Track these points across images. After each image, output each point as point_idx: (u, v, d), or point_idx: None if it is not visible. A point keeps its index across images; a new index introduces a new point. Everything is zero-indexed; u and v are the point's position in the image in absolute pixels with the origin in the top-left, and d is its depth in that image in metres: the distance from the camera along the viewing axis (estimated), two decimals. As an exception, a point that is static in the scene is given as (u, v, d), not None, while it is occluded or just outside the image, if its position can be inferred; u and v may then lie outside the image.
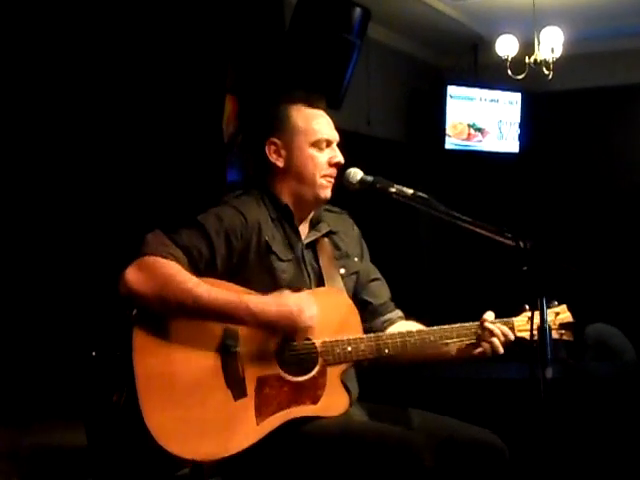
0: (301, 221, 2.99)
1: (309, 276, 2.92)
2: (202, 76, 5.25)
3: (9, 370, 4.17)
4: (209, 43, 5.26)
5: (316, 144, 2.93)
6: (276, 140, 2.95)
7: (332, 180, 2.95)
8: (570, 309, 2.91)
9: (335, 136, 2.98)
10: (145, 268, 2.64)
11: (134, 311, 2.67)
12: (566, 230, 7.93)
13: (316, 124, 2.96)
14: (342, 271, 2.99)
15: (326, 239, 3.02)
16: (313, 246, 2.98)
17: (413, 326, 2.97)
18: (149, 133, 5.00)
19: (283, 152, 2.94)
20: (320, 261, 2.96)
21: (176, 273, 2.64)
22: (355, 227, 3.16)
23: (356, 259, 3.08)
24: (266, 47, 5.53)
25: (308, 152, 2.93)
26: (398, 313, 3.08)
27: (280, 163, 2.94)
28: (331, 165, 2.94)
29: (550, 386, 2.37)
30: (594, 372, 4.76)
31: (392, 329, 2.99)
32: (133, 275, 2.63)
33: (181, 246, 2.71)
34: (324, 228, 3.02)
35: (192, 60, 5.17)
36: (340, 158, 2.95)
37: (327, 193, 2.94)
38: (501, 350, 2.84)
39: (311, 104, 2.98)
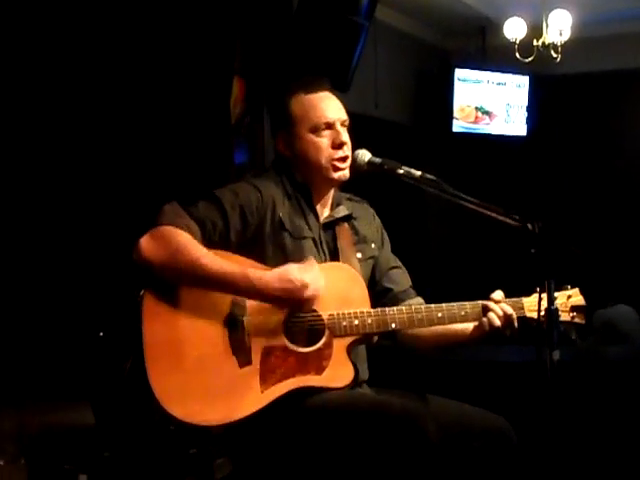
0: (319, 201, 3.00)
1: (324, 255, 2.93)
2: (210, 58, 5.25)
3: (16, 351, 4.18)
4: (217, 25, 5.26)
5: (314, 129, 2.93)
6: (282, 132, 2.99)
7: (343, 163, 2.93)
8: (582, 292, 2.91)
9: (337, 116, 2.96)
10: (158, 237, 2.70)
11: (142, 292, 2.71)
12: (573, 213, 7.93)
13: (313, 109, 2.95)
14: (359, 255, 3.01)
15: (346, 224, 3.04)
16: (332, 228, 3.00)
17: None
18: (157, 115, 5.00)
19: (288, 143, 2.98)
20: (338, 243, 2.97)
21: (186, 243, 2.68)
22: (376, 217, 3.18)
23: (373, 245, 3.08)
24: (274, 29, 5.52)
25: (308, 139, 2.94)
26: (419, 300, 3.06)
27: (288, 153, 2.98)
28: (335, 147, 2.93)
29: (558, 369, 2.37)
30: (603, 355, 4.75)
31: None
32: (146, 243, 2.69)
33: (195, 218, 2.75)
34: (343, 211, 3.03)
35: (200, 42, 5.17)
36: (343, 138, 2.93)
37: (339, 175, 2.93)
38: (497, 323, 2.83)
39: (311, 89, 2.98)
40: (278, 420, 2.71)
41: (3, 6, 4.29)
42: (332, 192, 3.03)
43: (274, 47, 5.52)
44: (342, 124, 2.97)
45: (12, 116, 4.41)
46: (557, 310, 2.44)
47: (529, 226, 2.48)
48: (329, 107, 2.97)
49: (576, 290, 2.92)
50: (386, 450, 2.58)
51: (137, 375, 2.63)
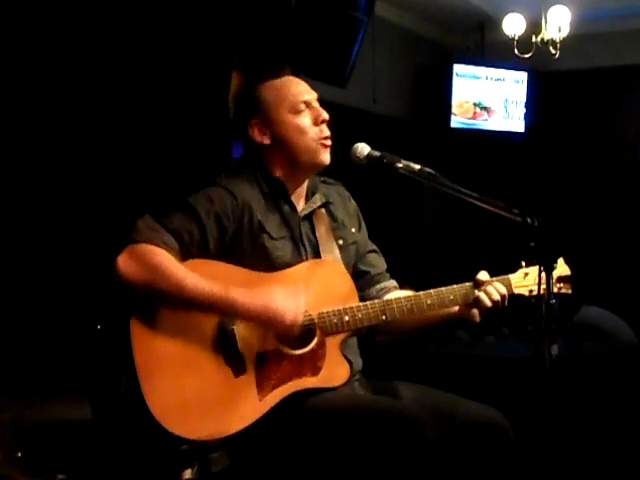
0: (295, 192, 2.96)
1: (305, 250, 2.91)
2: (209, 52, 5.24)
3: (13, 343, 4.18)
4: (216, 20, 5.25)
5: (293, 109, 2.90)
6: (255, 121, 2.93)
7: (328, 142, 2.92)
8: (568, 262, 2.90)
9: (311, 94, 2.95)
10: (136, 256, 2.65)
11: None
12: (571, 209, 7.93)
13: (287, 90, 2.93)
14: (340, 242, 2.99)
15: (322, 210, 3.01)
16: (310, 218, 2.97)
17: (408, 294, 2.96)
18: (155, 109, 4.99)
19: (266, 130, 2.92)
20: (317, 233, 2.95)
21: (166, 263, 2.63)
22: (352, 200, 3.15)
23: (353, 230, 3.07)
24: (273, 24, 5.51)
25: (288, 120, 2.90)
26: (393, 282, 3.09)
27: (267, 140, 2.92)
28: (318, 125, 2.91)
29: (556, 363, 2.37)
30: (586, 352, 4.76)
31: (388, 297, 2.98)
32: (124, 263, 2.64)
33: (171, 230, 2.70)
34: (319, 199, 3.01)
35: (199, 37, 5.16)
36: (325, 114, 2.92)
37: (326, 157, 2.92)
38: (488, 304, 2.83)
39: (276, 75, 2.96)
40: (276, 420, 2.69)
41: (3, 6, 4.28)
42: (306, 182, 3.01)
43: (273, 42, 5.51)
44: (317, 101, 2.96)
45: (9, 113, 4.40)
46: (556, 304, 2.43)
47: (529, 220, 2.48)
48: (301, 87, 2.96)
49: (560, 260, 2.91)
50: (384, 454, 2.57)
51: (133, 396, 2.60)
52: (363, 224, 3.15)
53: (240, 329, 2.70)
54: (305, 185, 3.00)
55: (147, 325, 2.64)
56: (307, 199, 3.00)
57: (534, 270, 2.89)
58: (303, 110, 2.91)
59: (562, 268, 2.92)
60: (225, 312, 2.66)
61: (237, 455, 2.83)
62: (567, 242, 2.50)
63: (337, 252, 2.96)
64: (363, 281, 3.04)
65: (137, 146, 4.92)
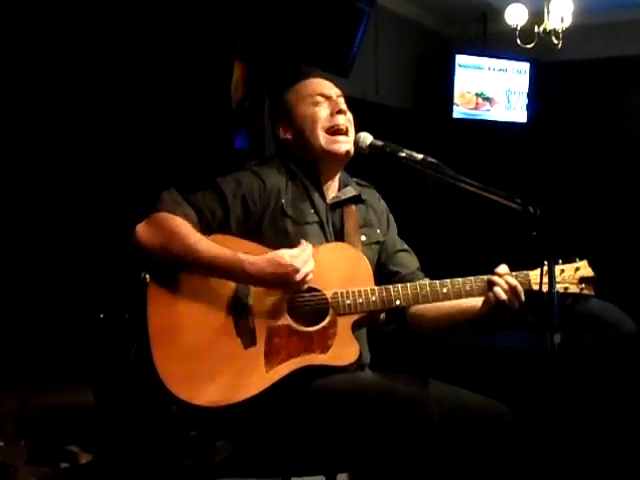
0: (326, 182, 3.02)
1: (330, 237, 2.95)
2: (211, 42, 5.24)
3: (17, 332, 4.18)
4: (218, 9, 5.25)
5: (312, 102, 2.98)
6: (281, 122, 3.04)
7: (342, 132, 2.96)
8: (591, 265, 2.90)
9: (333, 90, 3.02)
10: (154, 223, 2.73)
11: (143, 274, 2.72)
12: (573, 200, 7.92)
13: (306, 89, 3.02)
14: (363, 238, 3.02)
15: (353, 206, 3.05)
16: (340, 209, 3.01)
17: None
18: (157, 99, 4.99)
19: (289, 126, 3.01)
20: (344, 225, 2.99)
21: (181, 228, 2.70)
22: (382, 200, 3.20)
23: (379, 230, 3.11)
24: (275, 13, 5.51)
25: (307, 111, 2.98)
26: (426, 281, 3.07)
27: (289, 135, 3.01)
28: (333, 115, 2.97)
29: (558, 352, 2.38)
30: (588, 343, 4.76)
31: None
32: (142, 229, 2.73)
33: (194, 205, 2.77)
34: (350, 192, 3.05)
35: (201, 26, 5.16)
36: (342, 106, 2.98)
37: (341, 147, 2.95)
38: (503, 296, 2.79)
39: (303, 78, 3.05)
40: (281, 403, 2.72)
41: (3, 6, 4.28)
42: (339, 174, 3.05)
43: (275, 31, 5.51)
44: (338, 96, 3.01)
45: (13, 95, 4.41)
46: (558, 293, 2.44)
47: (530, 209, 2.49)
48: (323, 84, 3.03)
49: (584, 262, 2.90)
50: (390, 434, 2.59)
51: (142, 359, 2.64)
52: (392, 224, 3.20)
53: (254, 302, 2.74)
54: (337, 178, 3.06)
55: (164, 292, 2.71)
56: (339, 190, 3.06)
57: (557, 268, 2.86)
58: (321, 102, 2.99)
59: (586, 270, 2.91)
60: (235, 274, 2.70)
61: (240, 443, 2.85)
62: (569, 232, 2.50)
63: (360, 247, 2.98)
64: (395, 281, 2.99)
65: (139, 138, 4.92)
